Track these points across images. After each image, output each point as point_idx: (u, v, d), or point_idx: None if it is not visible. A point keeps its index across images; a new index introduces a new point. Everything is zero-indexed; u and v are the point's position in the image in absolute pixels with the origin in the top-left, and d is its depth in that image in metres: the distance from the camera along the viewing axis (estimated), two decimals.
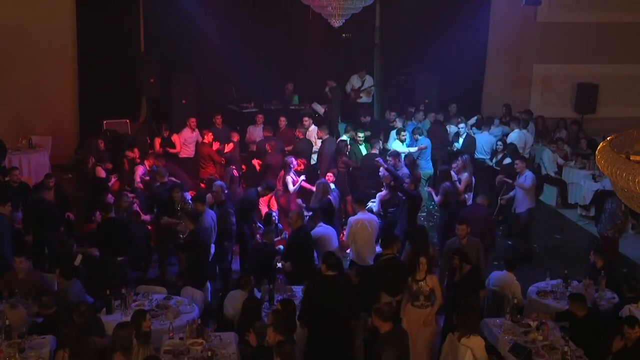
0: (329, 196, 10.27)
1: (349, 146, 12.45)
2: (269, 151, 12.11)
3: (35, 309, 7.68)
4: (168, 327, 7.41)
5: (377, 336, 6.70)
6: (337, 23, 10.74)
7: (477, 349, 6.82)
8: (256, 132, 13.52)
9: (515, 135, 13.63)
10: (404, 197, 10.36)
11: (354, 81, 15.76)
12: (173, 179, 10.94)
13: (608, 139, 5.30)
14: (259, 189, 10.35)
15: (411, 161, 11.91)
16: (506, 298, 8.38)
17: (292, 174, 11.14)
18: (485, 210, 10.04)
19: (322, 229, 9.28)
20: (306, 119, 13.27)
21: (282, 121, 13.41)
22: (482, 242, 9.06)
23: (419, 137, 12.90)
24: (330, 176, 11.04)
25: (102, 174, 11.52)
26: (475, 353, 6.80)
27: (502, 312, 8.26)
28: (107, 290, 7.92)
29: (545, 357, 7.08)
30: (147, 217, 10.39)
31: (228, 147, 12.46)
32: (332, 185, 10.97)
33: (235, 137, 12.97)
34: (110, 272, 8.77)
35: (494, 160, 12.88)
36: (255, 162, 12.30)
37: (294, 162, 11.27)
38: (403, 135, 12.75)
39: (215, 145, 12.42)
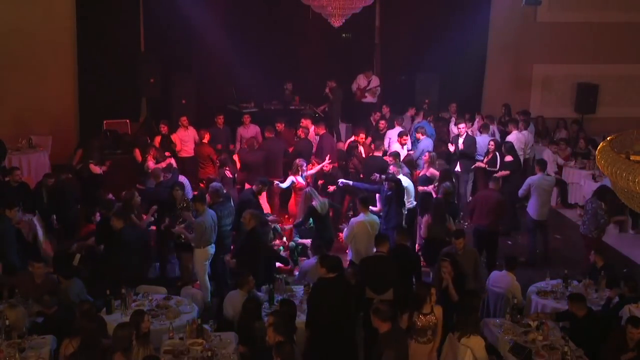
0: (312, 203, 10.16)
1: (359, 148, 12.41)
2: (247, 150, 12.13)
3: (35, 309, 7.68)
4: (168, 327, 7.42)
5: (377, 336, 6.69)
6: (337, 23, 10.73)
7: (477, 349, 6.81)
8: (246, 133, 13.41)
9: (514, 137, 13.61)
10: (389, 192, 10.20)
11: (360, 80, 15.74)
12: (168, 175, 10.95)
13: (608, 139, 5.31)
14: (254, 187, 10.32)
15: (410, 161, 11.89)
16: (506, 298, 8.38)
17: (298, 177, 11.11)
18: (496, 195, 10.30)
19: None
20: (305, 119, 13.22)
21: (279, 126, 13.22)
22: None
23: (422, 137, 12.86)
24: (327, 164, 11.35)
25: (96, 170, 11.50)
26: (475, 353, 6.79)
27: (501, 312, 8.27)
28: (107, 290, 7.92)
29: (545, 357, 7.09)
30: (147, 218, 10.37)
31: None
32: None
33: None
34: (111, 271, 8.75)
35: (484, 160, 12.78)
36: (236, 157, 12.35)
37: (304, 166, 11.24)
38: (405, 139, 12.61)
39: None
